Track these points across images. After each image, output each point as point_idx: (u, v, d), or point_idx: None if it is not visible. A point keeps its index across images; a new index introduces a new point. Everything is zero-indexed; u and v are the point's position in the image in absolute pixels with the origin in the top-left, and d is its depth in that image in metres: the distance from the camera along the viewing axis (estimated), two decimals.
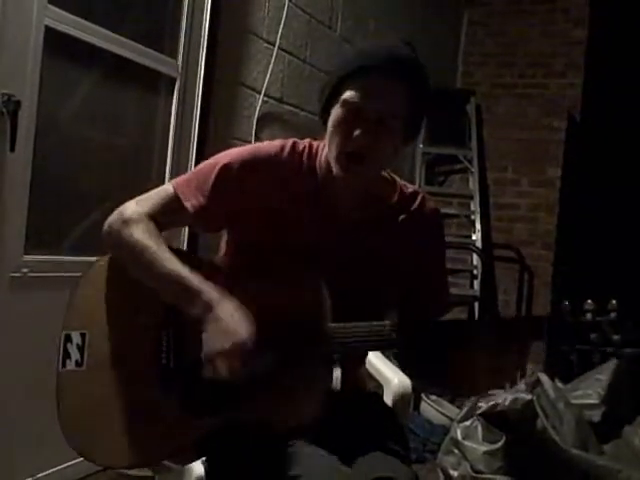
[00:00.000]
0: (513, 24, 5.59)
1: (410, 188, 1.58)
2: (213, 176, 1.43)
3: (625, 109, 5.63)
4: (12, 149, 2.13)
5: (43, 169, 2.32)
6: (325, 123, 1.42)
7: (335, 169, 1.39)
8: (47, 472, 2.36)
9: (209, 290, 1.34)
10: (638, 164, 5.63)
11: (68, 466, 2.41)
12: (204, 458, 1.47)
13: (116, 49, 2.55)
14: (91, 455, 1.41)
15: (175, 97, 2.88)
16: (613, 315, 1.34)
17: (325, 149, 1.45)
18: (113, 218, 1.44)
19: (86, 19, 2.40)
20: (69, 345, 1.44)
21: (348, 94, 1.35)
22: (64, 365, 1.44)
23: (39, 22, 2.21)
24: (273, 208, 1.44)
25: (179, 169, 2.87)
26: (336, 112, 1.38)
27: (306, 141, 1.50)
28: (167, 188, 1.48)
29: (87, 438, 1.41)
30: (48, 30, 2.25)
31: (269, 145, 1.47)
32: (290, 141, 1.48)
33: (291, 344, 1.35)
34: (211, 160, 1.48)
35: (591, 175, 5.62)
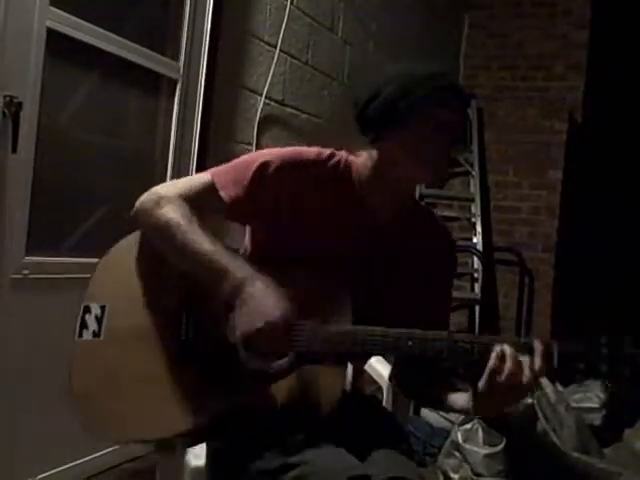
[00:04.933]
0: (514, 27, 5.60)
1: (426, 209, 1.67)
2: (252, 170, 1.43)
3: (627, 111, 5.64)
4: (14, 150, 2.13)
5: (44, 170, 2.32)
6: (375, 137, 1.45)
7: (416, 180, 1.50)
8: (48, 473, 2.36)
9: (241, 267, 1.33)
10: (639, 166, 5.64)
11: (69, 467, 2.42)
12: (203, 448, 1.47)
13: (118, 51, 2.55)
14: (100, 427, 1.40)
15: (176, 99, 2.88)
16: (627, 351, 1.32)
17: (357, 162, 1.49)
18: (146, 196, 1.44)
19: (88, 21, 2.40)
20: (87, 316, 1.43)
21: (441, 114, 1.40)
22: (80, 335, 1.43)
23: (41, 23, 2.21)
24: (306, 211, 1.45)
25: (180, 171, 2.87)
26: (423, 130, 1.41)
27: (343, 153, 1.51)
28: (204, 175, 1.48)
29: (97, 409, 1.40)
30: (50, 31, 2.25)
31: (308, 150, 1.48)
32: (328, 150, 1.50)
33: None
34: (252, 155, 1.49)
35: (592, 178, 5.62)
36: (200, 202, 1.45)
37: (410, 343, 1.32)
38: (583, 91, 5.42)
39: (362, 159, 1.49)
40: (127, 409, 1.38)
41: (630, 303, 5.20)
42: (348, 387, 1.41)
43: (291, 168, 1.44)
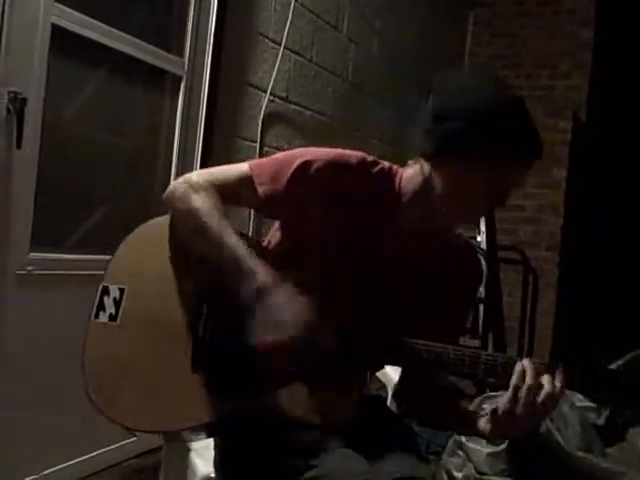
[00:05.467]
0: (519, 25, 5.59)
1: (464, 239, 1.63)
2: (293, 168, 1.41)
3: (631, 110, 5.62)
4: (18, 146, 2.13)
5: (49, 166, 2.32)
6: (436, 155, 1.40)
7: (452, 217, 1.45)
8: (50, 470, 2.36)
9: (265, 272, 1.31)
10: None
11: (72, 464, 2.42)
12: (210, 450, 1.47)
13: (122, 47, 2.55)
14: (109, 411, 1.38)
15: (181, 95, 2.88)
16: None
17: (404, 174, 1.47)
18: (180, 181, 1.43)
19: (92, 17, 2.40)
20: (106, 298, 1.42)
21: (512, 164, 1.37)
22: (97, 316, 1.42)
23: (45, 20, 2.21)
24: (341, 215, 1.43)
25: (185, 167, 2.87)
26: (488, 169, 1.36)
27: (386, 163, 1.49)
28: (242, 166, 1.45)
29: (108, 393, 1.39)
30: (54, 28, 2.25)
31: (351, 154, 1.46)
32: (370, 157, 1.47)
33: (332, 343, 1.34)
34: (293, 152, 1.47)
35: (597, 176, 5.61)
36: (234, 194, 1.44)
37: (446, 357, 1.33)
38: (588, 90, 5.41)
39: (411, 171, 1.45)
40: (135, 398, 1.37)
41: (634, 302, 5.18)
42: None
43: (332, 170, 1.42)
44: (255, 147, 3.16)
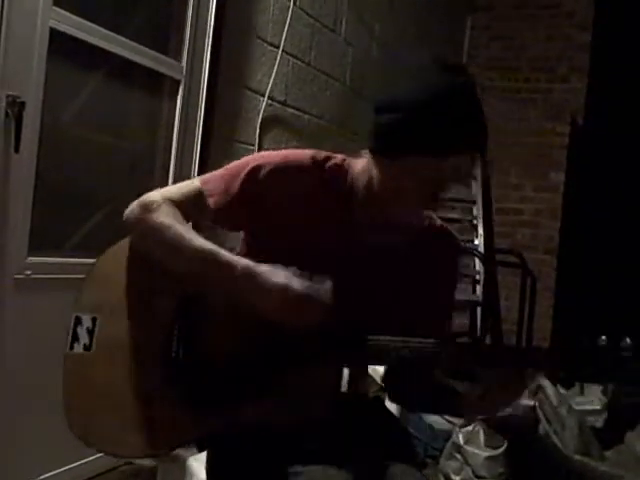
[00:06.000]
0: (517, 28, 5.60)
1: (438, 222, 1.57)
2: (242, 176, 1.42)
3: (629, 114, 5.63)
4: (17, 150, 2.13)
5: (47, 170, 2.32)
6: (378, 149, 1.37)
7: (405, 208, 1.41)
8: (48, 474, 2.36)
9: (242, 260, 1.32)
10: None
11: (69, 469, 2.41)
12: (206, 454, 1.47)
13: (120, 51, 2.55)
14: (92, 441, 1.39)
15: (179, 99, 2.88)
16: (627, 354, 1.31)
17: (355, 166, 1.45)
18: (135, 204, 1.43)
19: (91, 21, 2.40)
20: (79, 328, 1.43)
21: (424, 167, 1.31)
22: (72, 348, 1.42)
23: (44, 23, 2.21)
24: (297, 215, 1.43)
25: (182, 171, 2.87)
26: (432, 164, 1.32)
27: (339, 156, 1.48)
28: (192, 182, 1.47)
29: (89, 424, 1.40)
30: (53, 32, 2.25)
31: (302, 153, 1.46)
32: (323, 153, 1.46)
33: (300, 344, 1.34)
34: (243, 159, 1.47)
35: (595, 180, 5.62)
36: (188, 209, 1.44)
37: (406, 351, 1.31)
38: (586, 93, 5.42)
39: (362, 163, 1.44)
40: (117, 426, 1.38)
41: (632, 306, 5.19)
42: (344, 390, 1.40)
43: (282, 172, 1.42)
44: (253, 151, 3.16)
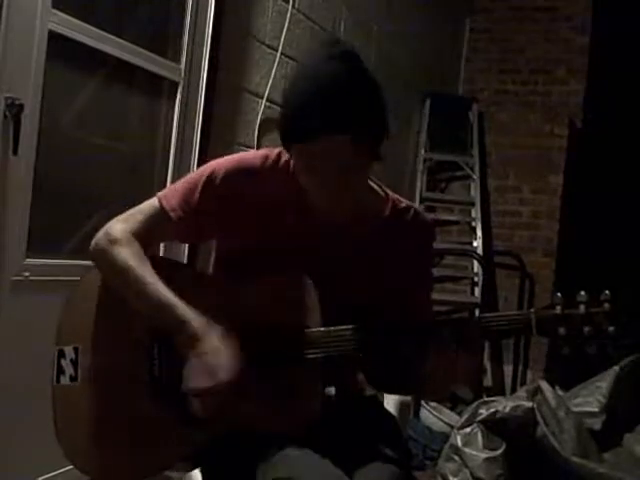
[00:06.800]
0: (515, 31, 5.60)
1: (404, 203, 1.55)
2: (199, 186, 1.44)
3: (627, 116, 5.64)
4: (15, 152, 2.13)
5: (45, 172, 2.32)
6: (287, 149, 1.39)
7: (317, 206, 1.41)
8: (46, 476, 2.36)
9: (195, 320, 1.33)
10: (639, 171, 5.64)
11: (67, 470, 2.41)
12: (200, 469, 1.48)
13: (119, 53, 2.55)
14: (88, 469, 1.41)
15: (178, 101, 2.88)
16: (607, 306, 1.32)
17: None
18: (99, 237, 1.45)
19: (90, 23, 2.40)
20: (63, 360, 1.44)
21: (305, 154, 1.32)
22: (58, 380, 1.44)
23: (42, 26, 2.21)
24: (257, 217, 1.45)
25: (181, 174, 2.87)
26: (299, 159, 1.35)
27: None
28: (152, 201, 1.48)
29: (83, 452, 1.42)
30: (51, 34, 2.25)
31: (254, 154, 1.48)
32: (275, 150, 1.47)
33: (281, 349, 1.35)
34: (198, 170, 1.50)
35: (592, 182, 5.62)
36: (153, 233, 1.46)
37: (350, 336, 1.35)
38: (584, 95, 5.42)
39: None
40: (110, 453, 1.40)
41: (631, 308, 5.19)
42: (330, 393, 1.41)
43: (235, 176, 1.43)
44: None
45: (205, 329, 1.32)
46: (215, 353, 1.30)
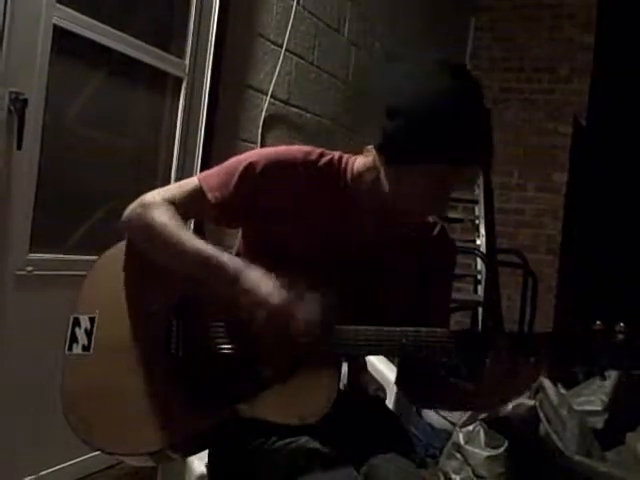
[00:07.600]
0: (519, 30, 5.60)
1: (439, 225, 1.58)
2: (238, 172, 1.43)
3: (631, 114, 5.63)
4: (19, 147, 2.14)
5: (49, 167, 2.32)
6: (384, 152, 1.38)
7: (410, 214, 1.43)
8: (49, 470, 2.36)
9: (234, 262, 1.33)
10: None
11: (70, 464, 2.42)
12: (206, 452, 1.48)
13: (124, 48, 2.55)
14: (92, 440, 1.39)
15: (182, 97, 2.88)
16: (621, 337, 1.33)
17: (356, 164, 1.46)
18: (134, 205, 1.44)
19: (94, 18, 2.40)
20: (77, 329, 1.43)
21: (434, 174, 1.32)
22: (70, 349, 1.43)
23: (47, 21, 2.21)
24: (293, 211, 1.43)
25: (185, 169, 2.88)
26: (419, 176, 1.34)
27: (336, 153, 1.48)
28: (191, 180, 1.48)
29: (89, 422, 1.40)
30: (56, 29, 2.25)
31: (297, 149, 1.46)
32: (318, 150, 1.47)
33: (299, 342, 1.35)
34: (240, 156, 1.48)
35: (597, 181, 5.62)
36: (188, 206, 1.45)
37: (404, 340, 1.32)
38: (588, 94, 5.42)
39: (364, 160, 1.44)
40: (116, 424, 1.39)
41: (634, 306, 5.18)
42: (343, 387, 1.41)
43: (278, 168, 1.42)
44: (255, 149, 3.16)
45: (245, 267, 1.32)
46: (259, 285, 1.29)
